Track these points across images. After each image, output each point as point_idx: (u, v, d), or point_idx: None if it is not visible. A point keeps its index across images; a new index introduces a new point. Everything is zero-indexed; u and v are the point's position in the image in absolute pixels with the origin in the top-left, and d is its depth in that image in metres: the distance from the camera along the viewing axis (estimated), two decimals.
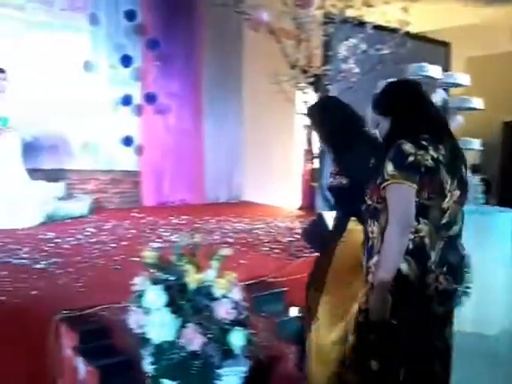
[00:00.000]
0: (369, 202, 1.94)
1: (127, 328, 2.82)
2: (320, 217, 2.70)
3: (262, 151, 8.48)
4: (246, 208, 7.82)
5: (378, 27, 6.47)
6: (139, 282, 1.70)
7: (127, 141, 7.34)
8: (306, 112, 2.87)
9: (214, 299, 1.64)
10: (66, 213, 6.12)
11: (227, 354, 1.63)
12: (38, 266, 3.71)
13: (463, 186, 1.93)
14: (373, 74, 6.16)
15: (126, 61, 7.18)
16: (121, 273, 3.69)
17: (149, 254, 1.67)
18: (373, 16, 6.40)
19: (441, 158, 1.84)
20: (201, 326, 1.59)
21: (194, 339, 1.55)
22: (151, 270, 1.69)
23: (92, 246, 4.54)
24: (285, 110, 7.98)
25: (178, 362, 1.58)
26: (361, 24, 6.45)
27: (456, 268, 1.92)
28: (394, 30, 6.37)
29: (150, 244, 4.66)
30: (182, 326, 1.58)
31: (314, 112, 2.75)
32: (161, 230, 5.55)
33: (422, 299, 1.87)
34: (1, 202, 5.32)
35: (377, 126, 2.05)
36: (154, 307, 1.59)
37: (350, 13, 6.38)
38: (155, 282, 1.66)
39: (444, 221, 1.89)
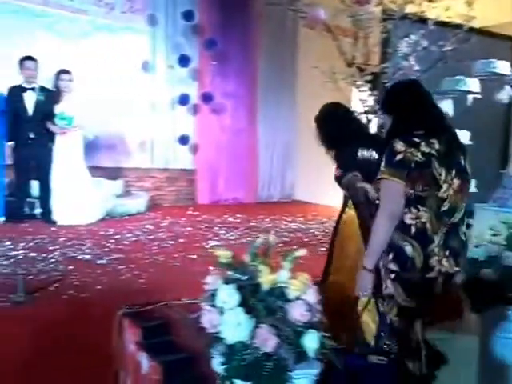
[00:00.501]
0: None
1: (190, 325, 2.85)
2: None
3: (315, 150, 8.36)
4: (298, 207, 7.77)
5: (439, 23, 6.25)
6: (211, 280, 1.69)
7: (183, 139, 7.45)
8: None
9: (288, 301, 1.60)
10: (124, 210, 6.27)
11: (300, 356, 1.60)
12: (101, 262, 3.81)
13: (462, 175, 2.06)
14: (434, 71, 5.97)
15: (184, 61, 7.27)
16: (180, 270, 3.74)
17: (222, 253, 1.66)
18: (434, 11, 6.21)
19: (433, 152, 2.00)
20: (274, 327, 1.55)
21: (268, 340, 1.52)
22: (224, 269, 1.68)
23: (151, 243, 4.63)
24: None
25: (251, 362, 1.56)
26: (421, 20, 6.26)
27: (457, 252, 2.07)
28: (457, 26, 6.14)
29: (207, 242, 4.72)
30: (256, 327, 1.55)
31: (320, 120, 3.12)
32: (216, 228, 5.59)
33: (427, 280, 2.02)
34: (64, 198, 5.51)
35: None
36: (227, 307, 1.57)
37: (409, 9, 6.21)
38: (227, 281, 1.65)
39: (444, 208, 2.02)
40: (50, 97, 5.47)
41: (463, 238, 2.12)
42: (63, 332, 2.77)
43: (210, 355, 1.77)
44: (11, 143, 5.37)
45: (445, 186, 2.01)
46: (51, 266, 3.61)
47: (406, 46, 6.15)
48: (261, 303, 1.60)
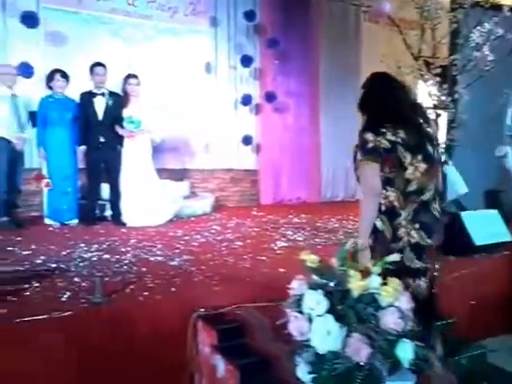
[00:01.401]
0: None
1: (266, 328, 2.81)
2: None
3: None
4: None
5: None
6: (296, 285, 1.62)
7: (246, 140, 7.45)
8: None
9: (380, 308, 1.51)
10: (190, 211, 6.35)
11: (394, 367, 1.50)
12: (173, 263, 3.83)
13: (429, 160, 2.36)
14: (510, 60, 5.65)
15: (246, 61, 7.28)
16: (251, 271, 3.70)
17: (309, 257, 1.59)
18: None
19: (399, 139, 2.32)
20: (366, 336, 1.47)
21: (360, 350, 1.44)
22: (309, 274, 1.61)
23: (219, 244, 4.63)
24: None
25: (342, 373, 1.48)
26: (495, 7, 5.93)
27: (428, 226, 2.34)
28: None
29: (276, 243, 4.67)
30: (347, 336, 1.47)
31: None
32: (283, 228, 5.53)
33: (398, 250, 2.24)
34: (133, 201, 5.63)
35: None
36: (315, 313, 1.50)
37: None
38: (314, 286, 1.57)
39: (411, 188, 2.33)
40: (119, 101, 5.60)
41: (435, 213, 2.39)
42: (139, 333, 2.80)
43: (294, 362, 1.71)
44: (83, 147, 5.54)
45: (410, 169, 2.33)
46: (125, 267, 3.67)
47: (479, 36, 5.84)
48: (351, 310, 1.52)
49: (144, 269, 3.63)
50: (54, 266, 3.69)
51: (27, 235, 4.86)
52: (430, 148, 2.40)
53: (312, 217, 6.34)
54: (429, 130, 2.47)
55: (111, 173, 5.65)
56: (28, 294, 3.03)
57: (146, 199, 5.64)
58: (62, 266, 3.70)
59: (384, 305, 1.51)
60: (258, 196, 7.79)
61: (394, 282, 1.55)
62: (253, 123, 7.64)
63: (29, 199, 6.10)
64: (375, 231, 2.35)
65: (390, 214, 2.34)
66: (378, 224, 2.35)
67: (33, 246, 4.31)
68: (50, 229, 5.32)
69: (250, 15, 7.26)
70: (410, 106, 2.49)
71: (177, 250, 4.30)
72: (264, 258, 4.09)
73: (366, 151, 2.36)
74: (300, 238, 5.00)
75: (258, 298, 3.05)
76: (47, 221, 5.51)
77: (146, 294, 3.06)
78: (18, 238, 4.69)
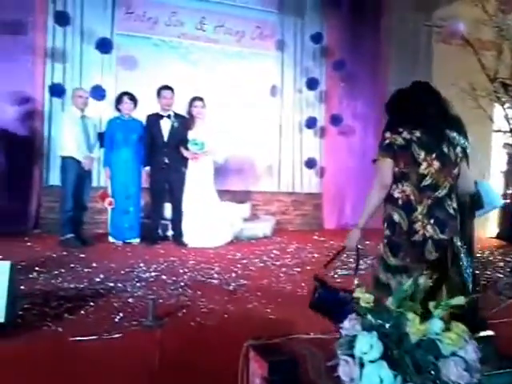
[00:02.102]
0: None
1: (319, 364, 2.65)
2: None
3: None
4: None
5: None
6: (348, 325, 1.48)
7: (310, 163, 7.34)
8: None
9: (441, 356, 1.34)
10: (251, 233, 6.29)
11: None
12: (229, 288, 3.76)
13: (444, 159, 2.51)
14: None
15: (312, 83, 7.22)
16: (308, 300, 3.55)
17: (362, 296, 1.45)
18: None
19: (414, 138, 2.48)
20: None
21: None
22: (363, 313, 1.46)
23: (278, 270, 4.52)
24: (480, 127, 7.20)
25: None
26: None
27: (442, 222, 2.48)
28: None
29: (336, 271, 4.49)
30: None
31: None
32: (344, 255, 5.31)
33: (413, 243, 2.45)
34: (195, 221, 5.65)
35: None
36: (367, 358, 1.35)
37: None
38: (368, 327, 1.43)
39: (425, 183, 2.48)
40: (184, 123, 5.68)
41: (450, 210, 2.53)
42: (188, 360, 2.73)
43: None
44: (147, 168, 5.65)
45: (424, 164, 2.49)
46: (180, 290, 3.64)
47: None
48: (408, 357, 1.36)
49: (199, 292, 3.58)
50: (111, 284, 3.72)
51: (90, 252, 4.98)
52: (446, 149, 2.56)
53: (376, 244, 6.07)
54: (453, 135, 2.60)
55: (174, 193, 5.71)
56: (83, 312, 3.05)
57: (206, 220, 5.65)
58: (120, 285, 3.73)
59: (446, 353, 1.34)
60: (321, 220, 7.61)
61: (459, 328, 1.38)
62: (317, 146, 7.53)
63: (95, 217, 6.30)
64: (393, 224, 2.52)
65: (406, 207, 2.49)
66: (396, 217, 2.51)
67: (94, 264, 4.40)
68: (113, 247, 5.43)
69: (316, 38, 7.22)
70: (435, 113, 2.63)
71: (234, 274, 4.23)
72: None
73: (381, 148, 2.59)
74: (362, 267, 4.77)
75: (314, 328, 2.91)
76: (111, 239, 5.63)
77: (198, 319, 2.99)
78: (82, 255, 4.80)
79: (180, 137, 5.65)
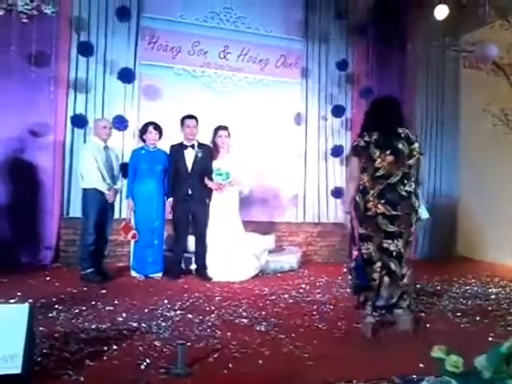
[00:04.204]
0: None
1: None
2: None
3: (481, 197, 7.43)
4: (463, 265, 6.91)
5: None
6: None
7: (336, 192, 7.10)
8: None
9: None
10: (277, 266, 6.04)
11: None
12: (260, 328, 3.50)
13: (397, 154, 3.39)
14: None
15: (338, 111, 7.05)
16: (346, 342, 3.27)
17: (450, 360, 1.19)
18: None
19: (372, 140, 3.41)
20: None
21: None
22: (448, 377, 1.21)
23: (309, 307, 4.24)
24: None
25: None
26: None
27: (392, 201, 3.36)
28: None
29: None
30: None
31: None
32: None
33: (370, 217, 3.41)
34: (219, 254, 5.43)
35: None
36: None
37: None
38: None
39: (379, 174, 3.39)
40: (208, 153, 5.52)
41: (402, 193, 3.38)
42: None
43: None
44: (171, 199, 5.46)
45: (379, 160, 3.39)
46: (208, 330, 3.39)
47: None
48: None
49: (228, 333, 3.33)
50: (135, 325, 3.49)
51: (111, 288, 4.77)
52: (400, 145, 3.42)
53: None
54: (405, 135, 3.45)
55: (198, 225, 5.50)
56: (106, 358, 2.81)
57: (231, 253, 5.43)
58: (144, 325, 3.50)
59: None
60: (349, 251, 7.29)
61: None
62: (343, 175, 7.29)
63: (117, 249, 6.12)
64: (355, 203, 3.50)
65: (362, 191, 3.46)
66: (357, 198, 3.49)
67: (116, 301, 4.18)
68: (135, 282, 5.21)
69: (342, 65, 7.08)
70: (391, 118, 3.50)
71: (263, 312, 3.97)
72: (359, 325, 3.64)
73: (351, 148, 3.65)
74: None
75: (357, 375, 2.63)
76: (133, 273, 5.42)
77: (230, 365, 2.73)
78: (103, 291, 4.60)
79: (204, 167, 5.48)
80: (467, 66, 7.43)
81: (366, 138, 3.41)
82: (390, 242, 3.40)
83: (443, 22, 6.48)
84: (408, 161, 3.39)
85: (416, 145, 3.46)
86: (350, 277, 3.82)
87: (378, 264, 3.43)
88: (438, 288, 5.24)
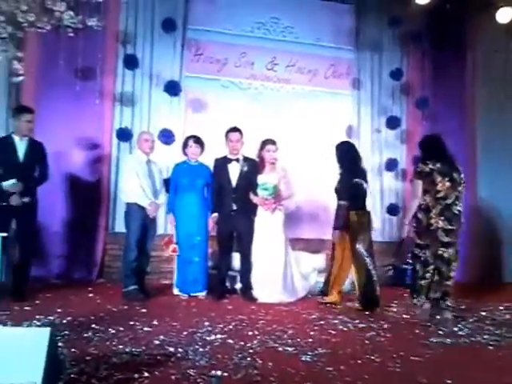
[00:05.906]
0: None
1: None
2: None
3: None
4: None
5: None
6: None
7: (392, 209, 6.70)
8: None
9: None
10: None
11: None
12: (306, 359, 3.17)
13: (452, 181, 4.37)
14: None
15: (392, 122, 6.69)
16: (404, 377, 2.90)
17: None
18: None
19: (435, 168, 4.37)
20: None
21: None
22: None
23: (361, 335, 3.86)
24: None
25: None
26: None
27: (450, 218, 4.33)
28: None
29: (431, 337, 3.79)
30: None
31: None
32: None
33: (431, 231, 4.37)
34: (265, 273, 5.16)
35: None
36: None
37: None
38: None
39: (439, 195, 4.33)
40: (254, 167, 5.29)
41: (455, 211, 4.37)
42: None
43: None
44: (215, 215, 5.25)
45: (440, 184, 4.36)
46: (249, 359, 3.09)
47: None
48: None
49: (270, 363, 3.02)
50: (171, 349, 3.25)
51: (152, 307, 4.60)
52: (455, 175, 4.37)
53: (473, 302, 5.28)
54: (458, 167, 4.47)
55: (243, 242, 5.26)
56: None
57: (277, 273, 5.15)
58: (180, 349, 3.24)
59: None
60: (397, 251, 6.83)
61: None
62: (399, 190, 6.87)
63: (161, 266, 5.96)
64: (416, 219, 4.42)
65: (425, 211, 4.35)
66: (419, 215, 4.40)
67: (155, 322, 3.98)
68: (177, 300, 5.01)
69: (396, 74, 6.74)
70: (448, 154, 4.50)
71: (310, 340, 3.63)
72: (419, 358, 3.25)
73: (415, 173, 4.44)
74: (461, 333, 4.03)
75: None
76: (176, 291, 5.23)
77: None
78: (143, 310, 4.42)
79: (249, 182, 5.25)
80: None
81: (431, 166, 4.33)
82: (444, 249, 4.37)
83: (507, 26, 6.05)
84: (458, 187, 4.37)
85: (463, 175, 4.45)
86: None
87: (432, 266, 4.38)
88: (508, 317, 4.74)
